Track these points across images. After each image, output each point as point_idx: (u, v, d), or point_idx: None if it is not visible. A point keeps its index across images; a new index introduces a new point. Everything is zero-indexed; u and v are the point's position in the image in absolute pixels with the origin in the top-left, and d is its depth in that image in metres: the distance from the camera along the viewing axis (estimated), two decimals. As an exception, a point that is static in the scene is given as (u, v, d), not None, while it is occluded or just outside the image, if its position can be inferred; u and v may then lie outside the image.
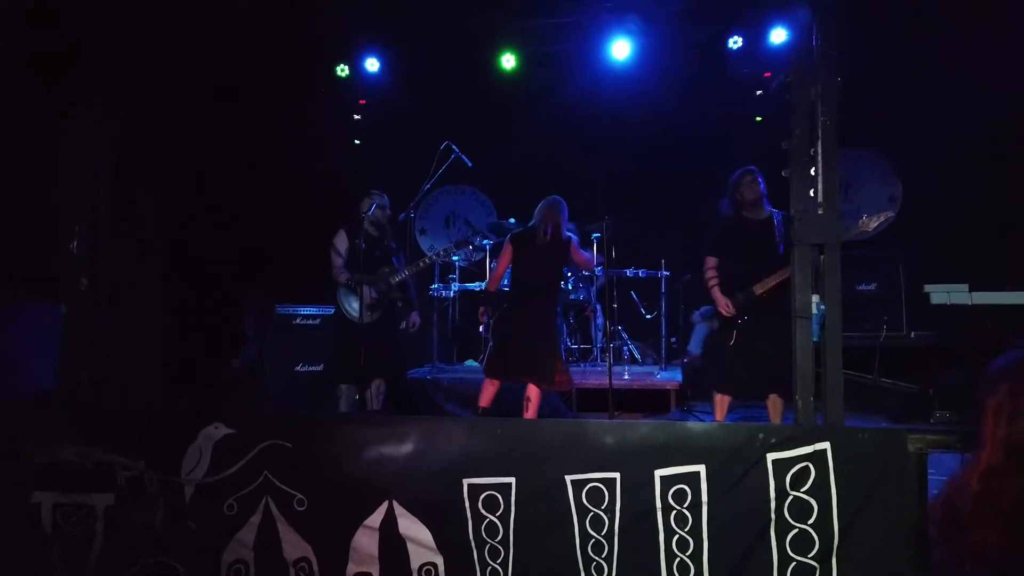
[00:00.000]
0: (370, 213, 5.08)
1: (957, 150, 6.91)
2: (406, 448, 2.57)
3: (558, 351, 5.13)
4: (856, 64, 5.20)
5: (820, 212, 3.76)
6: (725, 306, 4.71)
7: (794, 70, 3.81)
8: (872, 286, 6.84)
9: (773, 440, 2.34)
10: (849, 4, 4.34)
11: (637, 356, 7.04)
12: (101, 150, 4.27)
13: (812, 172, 3.81)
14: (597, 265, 6.31)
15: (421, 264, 5.21)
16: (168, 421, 2.86)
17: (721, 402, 4.79)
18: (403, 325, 5.36)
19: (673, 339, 7.17)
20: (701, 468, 2.37)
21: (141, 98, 5.98)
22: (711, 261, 4.93)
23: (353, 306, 5.11)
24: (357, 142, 8.62)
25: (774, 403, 4.61)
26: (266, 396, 6.45)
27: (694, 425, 2.32)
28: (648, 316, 7.08)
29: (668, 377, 6.32)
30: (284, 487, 2.62)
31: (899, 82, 6.78)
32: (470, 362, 7.19)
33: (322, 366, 5.75)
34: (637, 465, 2.42)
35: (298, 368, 6.41)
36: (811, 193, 3.82)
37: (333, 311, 5.40)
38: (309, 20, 6.75)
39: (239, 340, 7.44)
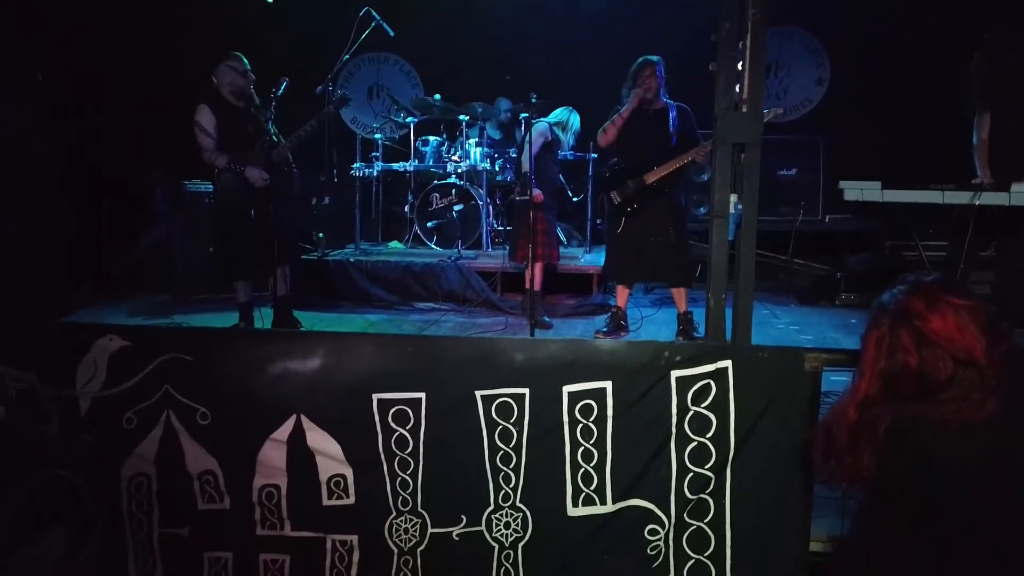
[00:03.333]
0: (280, 92, 4.67)
1: (884, 42, 6.88)
2: (313, 363, 2.51)
3: (520, 230, 5.46)
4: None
5: (744, 110, 3.71)
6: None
7: (727, -43, 3.61)
8: (792, 171, 6.94)
9: (678, 358, 2.38)
10: None
11: (563, 239, 7.04)
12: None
13: (739, 67, 3.72)
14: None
15: (303, 132, 4.74)
16: (59, 332, 2.71)
17: (621, 290, 5.09)
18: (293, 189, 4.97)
19: (599, 221, 7.18)
20: (607, 384, 2.40)
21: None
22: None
23: (237, 194, 4.64)
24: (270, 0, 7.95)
25: (676, 292, 4.90)
26: (176, 277, 6.24)
27: (602, 343, 2.35)
28: (575, 199, 7.02)
29: (591, 261, 6.38)
30: (186, 401, 2.54)
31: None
32: (395, 244, 7.07)
33: (216, 259, 5.21)
34: (546, 381, 2.44)
35: (212, 249, 6.15)
36: (737, 89, 3.75)
37: (213, 199, 4.95)
38: None
39: (148, 218, 7.10)
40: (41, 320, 2.84)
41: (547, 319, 5.38)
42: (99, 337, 2.58)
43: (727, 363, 2.36)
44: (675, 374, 2.38)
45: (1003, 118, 4.06)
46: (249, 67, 4.68)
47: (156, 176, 7.12)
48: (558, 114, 5.69)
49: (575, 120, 5.72)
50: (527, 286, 5.28)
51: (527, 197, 5.11)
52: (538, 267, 5.26)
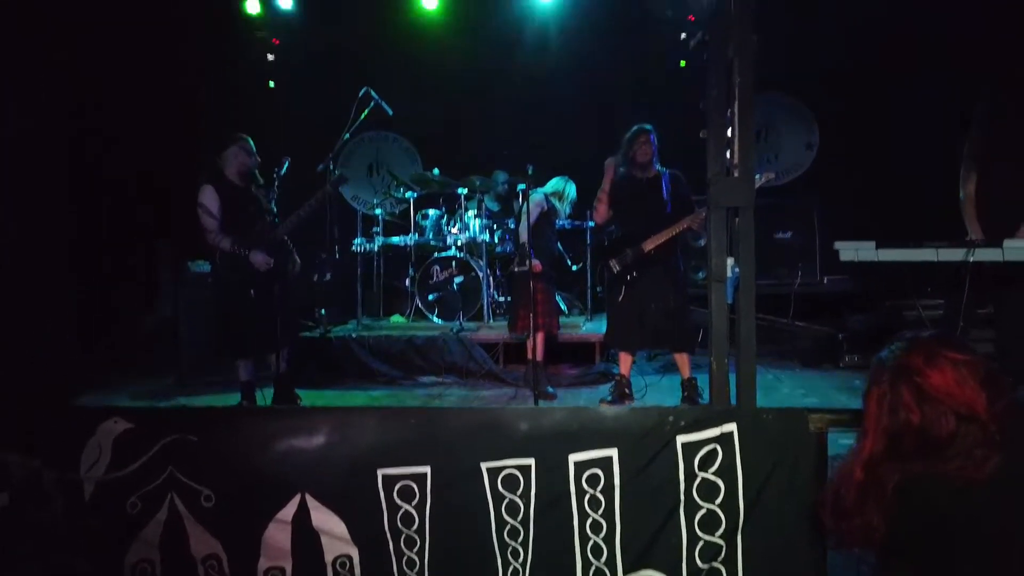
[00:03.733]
0: (283, 172, 4.81)
1: (871, 109, 7.08)
2: (317, 440, 2.51)
3: (520, 301, 5.50)
4: (774, 9, 5.21)
5: (736, 175, 3.80)
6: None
7: (711, 28, 3.76)
8: (788, 234, 7.04)
9: (682, 423, 2.37)
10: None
11: (563, 307, 7.08)
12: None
13: (729, 133, 3.83)
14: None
15: (302, 212, 4.79)
16: (64, 416, 2.71)
17: (624, 358, 5.05)
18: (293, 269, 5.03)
19: (599, 289, 7.23)
20: (613, 452, 2.39)
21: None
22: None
23: (239, 276, 4.65)
24: (272, 84, 8.23)
25: (679, 358, 4.88)
26: (180, 357, 6.24)
27: (606, 410, 2.34)
28: (574, 268, 7.10)
29: (593, 329, 6.40)
30: (190, 483, 2.52)
31: (819, 32, 6.82)
32: (396, 318, 7.10)
33: (217, 338, 5.17)
34: (551, 451, 2.42)
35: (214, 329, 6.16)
36: (727, 155, 3.85)
37: (212, 279, 5.01)
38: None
39: (153, 295, 7.17)
40: (46, 403, 2.84)
41: (551, 389, 5.36)
42: (104, 420, 2.58)
43: (732, 427, 2.35)
44: (681, 439, 2.37)
45: (989, 175, 4.15)
46: (255, 149, 4.82)
47: (163, 253, 7.23)
48: (554, 184, 5.80)
49: (571, 189, 5.84)
50: (529, 356, 5.28)
51: (526, 267, 5.17)
52: (539, 337, 5.27)
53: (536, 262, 5.23)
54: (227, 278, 4.72)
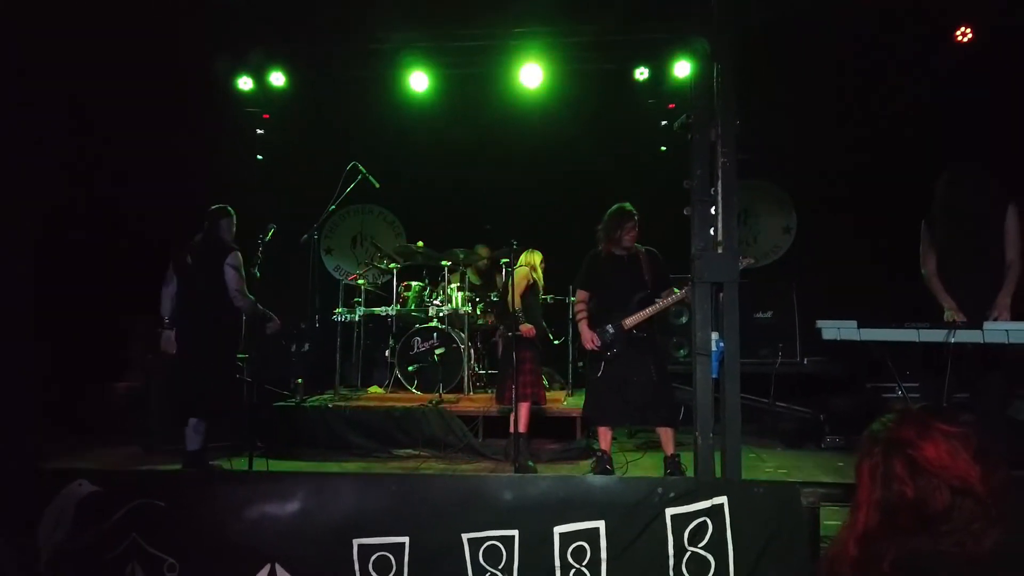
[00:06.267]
0: (268, 238, 4.84)
1: (847, 188, 7.29)
2: (291, 507, 2.40)
3: (508, 371, 5.24)
4: (754, 94, 5.38)
5: (720, 251, 3.85)
6: (590, 340, 4.85)
7: (695, 111, 3.88)
8: (768, 314, 7.08)
9: (672, 494, 2.31)
10: (746, 46, 4.51)
11: (545, 382, 7.01)
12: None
13: (712, 211, 3.90)
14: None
15: None
16: (25, 478, 2.59)
17: (603, 433, 4.96)
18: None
19: (580, 363, 7.19)
20: (600, 524, 2.31)
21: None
22: (581, 294, 5.08)
23: (240, 339, 4.88)
24: (260, 157, 8.31)
25: (663, 432, 4.78)
26: (150, 424, 6.04)
27: (594, 479, 2.27)
28: (556, 342, 7.06)
29: (574, 403, 6.31)
30: (153, 551, 2.39)
31: (795, 121, 7.06)
32: (374, 388, 6.98)
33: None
34: (536, 522, 2.34)
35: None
36: (711, 232, 3.91)
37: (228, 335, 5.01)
38: (210, 29, 6.47)
39: (126, 366, 6.99)
40: (5, 466, 2.71)
41: (531, 463, 5.23)
42: (68, 482, 2.46)
43: (723, 499, 2.29)
44: (670, 512, 2.30)
45: (955, 258, 4.24)
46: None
47: (139, 323, 7.09)
48: (525, 259, 5.69)
49: (534, 258, 5.80)
50: (511, 429, 5.18)
51: (517, 332, 5.11)
52: (524, 408, 5.17)
53: (529, 325, 5.22)
54: (236, 340, 4.82)
